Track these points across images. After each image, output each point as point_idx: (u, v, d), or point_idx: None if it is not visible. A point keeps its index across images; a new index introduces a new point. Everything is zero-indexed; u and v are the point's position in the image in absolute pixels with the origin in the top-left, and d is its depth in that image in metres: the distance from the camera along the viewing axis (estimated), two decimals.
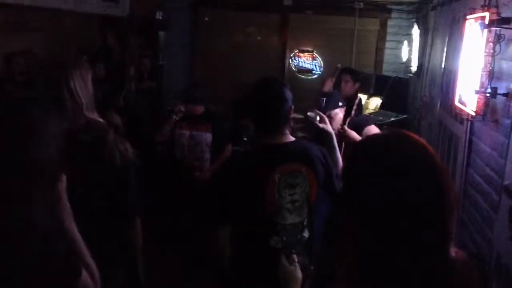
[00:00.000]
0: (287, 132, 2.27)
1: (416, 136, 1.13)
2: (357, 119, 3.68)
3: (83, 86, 1.95)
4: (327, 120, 2.81)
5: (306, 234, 2.20)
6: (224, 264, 2.35)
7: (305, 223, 2.20)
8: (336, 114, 3.44)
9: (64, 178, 1.47)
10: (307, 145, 2.36)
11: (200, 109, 4.40)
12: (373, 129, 3.55)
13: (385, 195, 1.03)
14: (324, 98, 3.44)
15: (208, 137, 4.40)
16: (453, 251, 1.10)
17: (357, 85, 5.06)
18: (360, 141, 1.26)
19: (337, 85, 5.11)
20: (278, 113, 2.21)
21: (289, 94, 2.25)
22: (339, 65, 5.45)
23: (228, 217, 2.23)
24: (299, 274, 1.67)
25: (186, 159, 4.42)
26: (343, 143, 3.21)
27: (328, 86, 5.03)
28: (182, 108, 4.30)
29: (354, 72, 5.24)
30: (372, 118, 4.80)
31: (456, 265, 1.09)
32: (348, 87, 5.00)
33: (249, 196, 2.14)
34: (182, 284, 4.01)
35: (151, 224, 2.38)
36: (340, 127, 3.34)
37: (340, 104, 3.53)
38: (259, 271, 2.10)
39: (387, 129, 4.49)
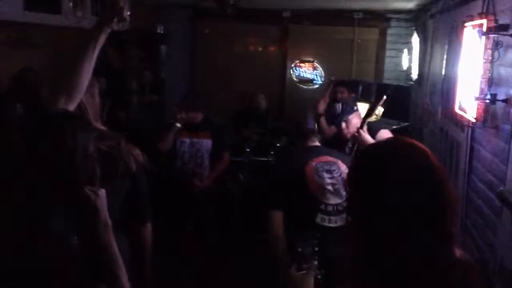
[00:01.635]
0: (316, 140, 2.98)
1: (419, 143, 1.16)
2: (371, 125, 3.70)
3: (89, 97, 2.02)
4: None
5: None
6: (278, 252, 2.55)
7: (345, 205, 2.52)
8: (352, 118, 3.53)
9: (102, 192, 1.46)
10: (335, 150, 2.99)
11: (199, 116, 4.45)
12: (386, 133, 3.58)
13: (388, 203, 1.07)
14: (340, 104, 3.54)
15: (208, 143, 4.45)
16: (458, 252, 1.12)
17: (352, 96, 5.13)
18: (365, 149, 1.29)
19: (332, 99, 5.15)
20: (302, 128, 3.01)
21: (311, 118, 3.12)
22: (332, 78, 5.49)
23: (279, 202, 2.62)
24: (311, 282, 1.64)
25: (187, 166, 4.45)
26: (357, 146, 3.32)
27: (322, 107, 5.03)
28: (184, 115, 4.33)
29: (348, 83, 5.31)
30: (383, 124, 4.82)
31: (460, 265, 1.11)
32: (344, 98, 5.06)
33: (295, 178, 2.63)
34: None
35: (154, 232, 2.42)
36: (356, 130, 3.39)
37: (355, 108, 3.60)
38: None
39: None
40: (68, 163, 1.35)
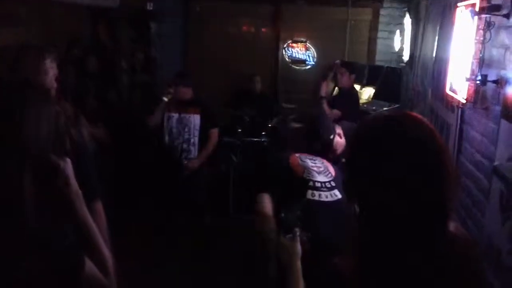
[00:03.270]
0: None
1: (419, 116, 1.16)
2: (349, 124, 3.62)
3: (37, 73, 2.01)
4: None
5: (338, 194, 2.53)
6: (268, 231, 2.50)
7: (332, 184, 2.57)
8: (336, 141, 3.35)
9: (69, 161, 1.43)
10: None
11: (189, 92, 4.46)
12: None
13: (388, 175, 1.07)
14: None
15: (196, 119, 4.46)
16: (452, 225, 1.13)
17: (352, 76, 5.14)
18: (364, 121, 1.27)
19: (335, 80, 5.19)
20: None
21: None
22: (337, 61, 5.48)
23: (267, 186, 2.62)
24: (299, 248, 1.68)
25: (175, 142, 4.46)
26: None
27: (325, 90, 5.06)
28: (171, 90, 4.35)
29: (349, 64, 5.30)
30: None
31: (456, 238, 1.12)
32: (344, 79, 5.09)
33: (281, 170, 2.65)
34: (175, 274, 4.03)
35: (144, 216, 2.38)
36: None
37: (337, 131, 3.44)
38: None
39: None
40: (18, 132, 1.31)
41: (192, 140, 4.49)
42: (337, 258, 1.24)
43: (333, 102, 5.03)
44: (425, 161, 1.07)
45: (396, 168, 1.06)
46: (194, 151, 4.50)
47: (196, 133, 4.49)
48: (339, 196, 2.54)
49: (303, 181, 2.58)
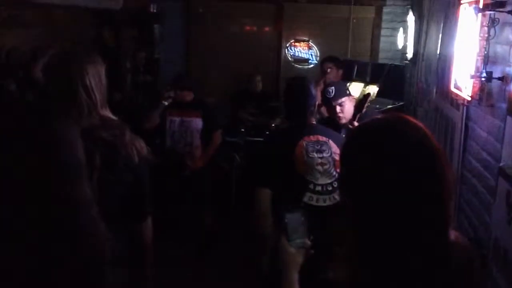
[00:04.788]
0: (312, 119, 2.88)
1: (414, 120, 1.15)
2: (362, 115, 3.66)
3: (98, 82, 1.90)
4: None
5: (338, 197, 2.51)
6: (265, 229, 2.54)
7: (335, 185, 2.54)
8: (345, 102, 3.41)
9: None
10: (329, 129, 2.92)
11: (189, 95, 4.46)
12: None
13: (384, 179, 1.05)
14: (333, 88, 3.41)
15: (198, 123, 4.45)
16: (452, 234, 1.11)
17: (340, 72, 5.07)
18: (359, 125, 1.26)
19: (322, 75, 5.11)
20: (306, 102, 2.83)
21: (314, 92, 2.91)
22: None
23: (266, 179, 2.60)
24: (300, 258, 1.59)
25: (177, 146, 4.45)
26: None
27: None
28: (171, 94, 4.34)
29: (336, 59, 5.23)
30: (375, 111, 4.80)
31: (455, 248, 1.10)
32: (332, 75, 5.00)
33: (284, 158, 2.60)
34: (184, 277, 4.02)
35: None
36: (349, 122, 3.36)
37: (348, 93, 3.52)
38: None
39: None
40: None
41: (194, 144, 4.48)
42: (331, 266, 1.22)
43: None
44: (423, 163, 1.06)
45: (395, 171, 1.04)
46: (196, 154, 4.49)
47: (198, 135, 4.48)
48: (338, 199, 2.52)
49: (304, 182, 2.55)
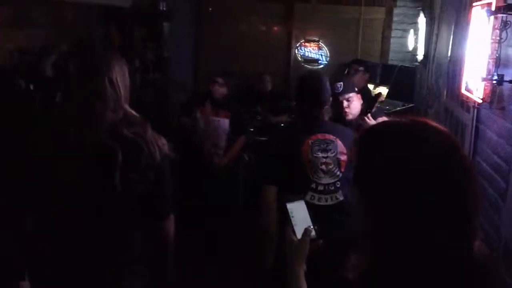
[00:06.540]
0: (324, 114, 2.80)
1: (439, 125, 1.10)
2: (374, 114, 3.65)
3: (123, 78, 1.93)
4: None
5: (340, 196, 2.53)
6: (270, 225, 2.54)
7: (338, 185, 2.55)
8: (352, 98, 3.39)
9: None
10: (339, 125, 2.91)
11: (223, 90, 4.44)
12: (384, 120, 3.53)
13: (410, 184, 1.01)
14: (341, 83, 3.38)
15: (225, 123, 4.43)
16: (476, 244, 1.07)
17: (367, 75, 5.11)
18: (380, 126, 1.20)
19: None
20: (321, 96, 2.76)
21: (329, 87, 2.84)
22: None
23: (273, 176, 2.61)
24: (306, 247, 1.50)
25: (204, 145, 4.44)
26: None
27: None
28: (220, 80, 4.38)
29: (365, 63, 5.28)
30: (383, 111, 4.80)
31: (478, 262, 1.07)
32: (356, 77, 5.03)
33: (289, 156, 2.61)
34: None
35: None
36: (360, 118, 3.35)
37: (355, 89, 3.51)
38: None
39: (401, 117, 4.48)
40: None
41: (219, 144, 4.46)
42: (350, 266, 1.19)
43: None
44: (452, 177, 1.02)
45: (421, 185, 1.00)
46: (221, 154, 4.48)
47: (225, 136, 4.46)
48: (341, 198, 2.52)
49: (307, 181, 2.55)
